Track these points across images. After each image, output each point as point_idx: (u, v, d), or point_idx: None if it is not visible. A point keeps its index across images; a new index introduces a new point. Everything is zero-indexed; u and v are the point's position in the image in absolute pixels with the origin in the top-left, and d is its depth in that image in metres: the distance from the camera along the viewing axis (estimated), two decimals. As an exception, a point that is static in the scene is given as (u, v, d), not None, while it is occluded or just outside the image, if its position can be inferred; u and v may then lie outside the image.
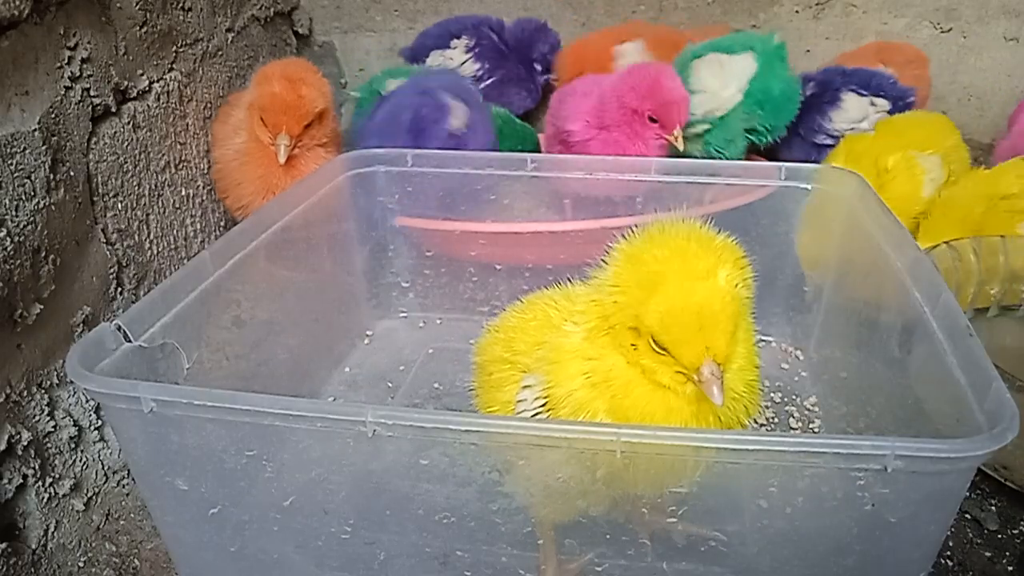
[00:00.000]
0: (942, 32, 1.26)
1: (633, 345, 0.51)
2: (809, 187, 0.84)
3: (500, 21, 1.26)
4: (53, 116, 0.71)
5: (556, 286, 0.63)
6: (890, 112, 1.07)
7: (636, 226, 0.54)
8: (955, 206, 0.88)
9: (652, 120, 0.95)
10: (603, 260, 0.55)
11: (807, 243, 0.87)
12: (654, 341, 0.49)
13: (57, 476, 0.70)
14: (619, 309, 0.51)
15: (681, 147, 0.96)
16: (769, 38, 1.06)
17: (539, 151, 1.11)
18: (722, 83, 1.03)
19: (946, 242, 0.82)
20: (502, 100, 1.20)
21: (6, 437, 0.64)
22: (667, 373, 0.50)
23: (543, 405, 0.55)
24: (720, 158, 1.04)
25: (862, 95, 1.08)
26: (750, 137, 1.06)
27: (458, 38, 1.22)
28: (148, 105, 0.89)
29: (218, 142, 0.99)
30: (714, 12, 1.29)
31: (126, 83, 0.84)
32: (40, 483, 0.68)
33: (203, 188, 1.00)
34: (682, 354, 0.49)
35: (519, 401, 0.57)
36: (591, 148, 0.99)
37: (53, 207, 0.70)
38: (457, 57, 1.22)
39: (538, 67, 1.25)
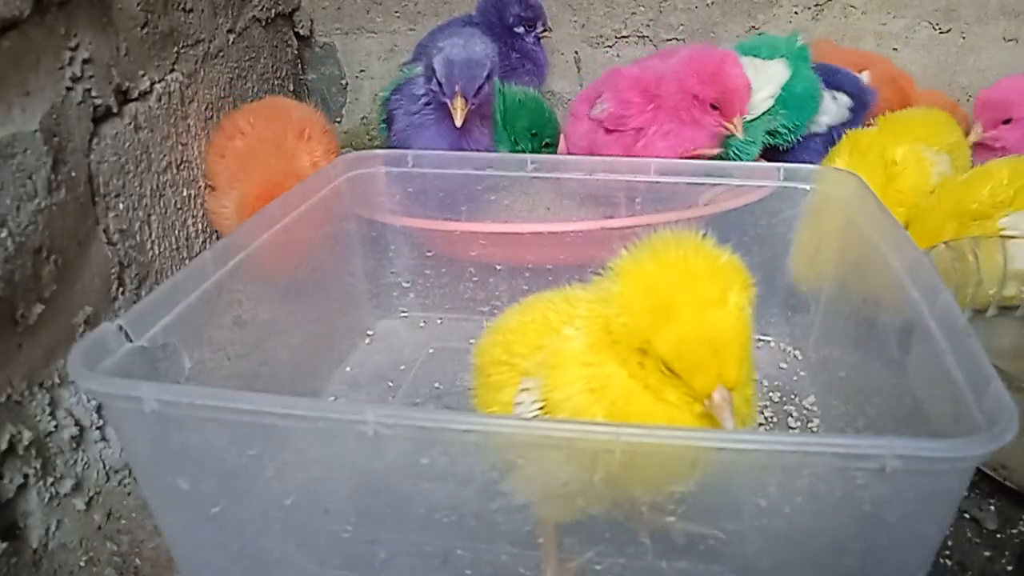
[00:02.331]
0: (941, 33, 1.26)
1: (640, 363, 0.51)
2: (808, 187, 0.84)
3: (470, 14, 1.24)
4: (54, 117, 0.71)
5: (556, 288, 0.63)
6: (851, 109, 1.07)
7: (638, 234, 0.54)
8: (926, 223, 0.88)
9: (713, 107, 0.95)
10: (605, 269, 0.55)
11: (803, 258, 0.86)
12: (664, 366, 0.50)
13: (58, 476, 0.70)
14: (627, 332, 0.51)
15: (740, 135, 0.96)
16: (792, 40, 1.06)
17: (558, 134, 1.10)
18: (756, 87, 1.02)
19: (944, 242, 0.82)
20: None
21: (7, 437, 0.65)
22: (674, 393, 0.51)
23: (541, 408, 0.55)
24: (738, 160, 1.04)
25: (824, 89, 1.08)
26: (771, 139, 1.07)
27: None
28: (149, 106, 0.89)
29: (210, 178, 0.99)
30: (713, 13, 1.30)
31: (127, 84, 0.84)
32: (41, 483, 0.68)
33: (205, 189, 1.00)
34: (694, 381, 0.49)
35: (517, 404, 0.57)
36: (644, 132, 0.98)
37: (54, 207, 0.70)
38: None
39: (519, 29, 1.20)
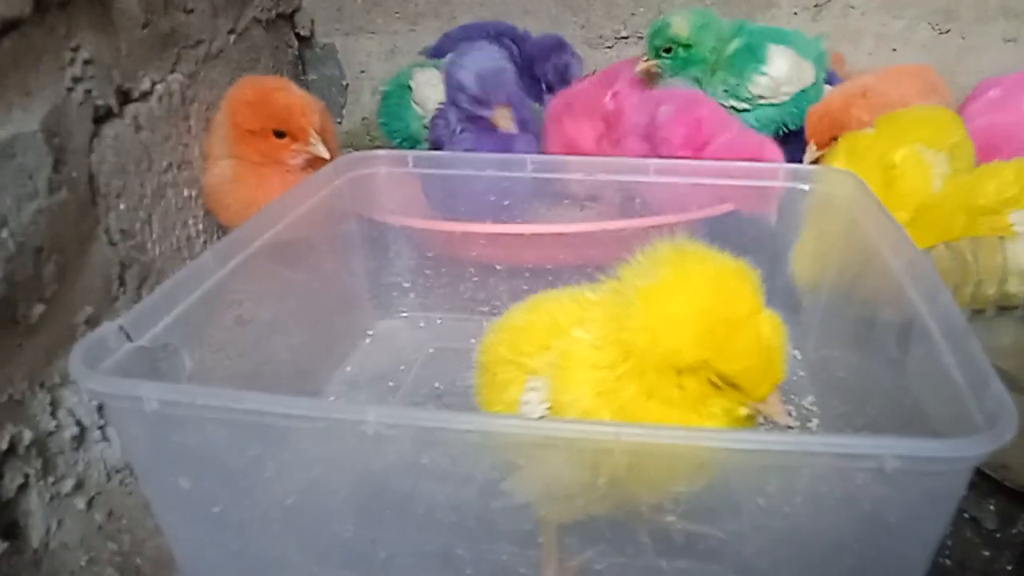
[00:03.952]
0: (941, 33, 1.26)
1: (678, 385, 0.51)
2: (807, 188, 0.84)
3: (525, 34, 1.24)
4: (55, 117, 0.71)
5: (557, 287, 0.63)
6: None
7: (639, 235, 0.54)
8: (935, 222, 0.87)
9: None
10: (614, 278, 0.54)
11: (804, 258, 0.86)
12: (722, 380, 0.50)
13: (59, 475, 0.70)
14: (672, 357, 0.50)
15: None
16: (818, 43, 1.07)
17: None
18: (787, 78, 1.04)
19: (944, 242, 0.82)
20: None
21: (8, 436, 0.65)
22: (720, 403, 0.51)
23: (548, 409, 0.55)
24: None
25: None
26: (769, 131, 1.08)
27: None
28: (150, 106, 0.89)
29: (205, 160, 0.99)
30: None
31: (128, 84, 0.84)
32: (42, 482, 0.68)
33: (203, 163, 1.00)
34: (756, 390, 0.50)
35: (523, 404, 0.57)
36: None
37: (55, 207, 0.70)
38: None
39: (543, 86, 1.20)
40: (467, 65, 0.93)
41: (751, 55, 1.04)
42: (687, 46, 1.05)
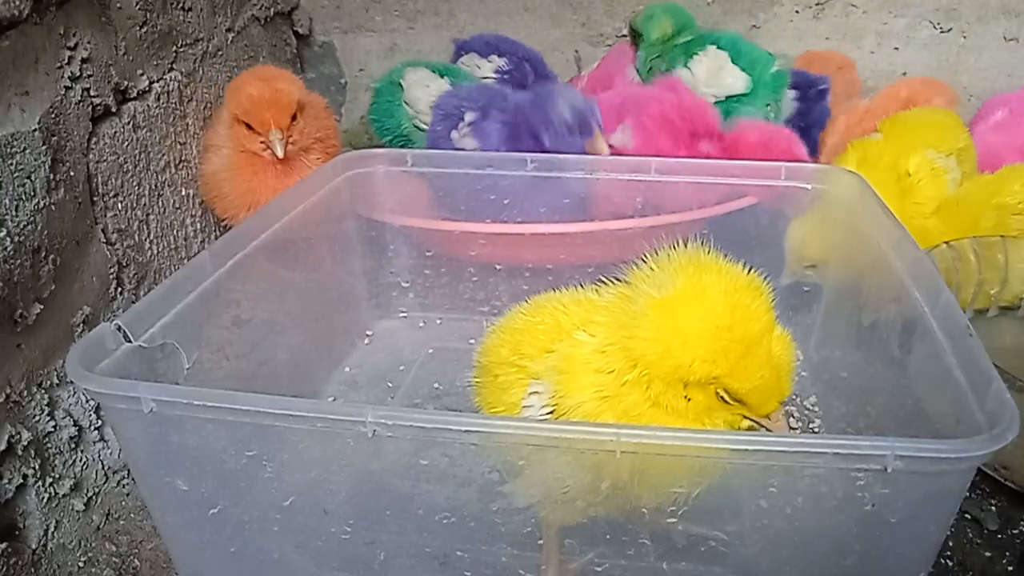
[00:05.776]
0: (942, 32, 1.26)
1: (685, 397, 0.51)
2: (809, 187, 0.84)
3: (551, 74, 1.23)
4: (53, 116, 0.71)
5: (558, 288, 0.63)
6: (798, 100, 1.09)
7: (639, 235, 0.54)
8: (962, 215, 0.87)
9: None
10: (620, 282, 0.54)
11: (801, 239, 0.86)
12: (729, 395, 0.50)
13: (57, 476, 0.70)
14: (684, 372, 0.50)
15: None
16: (770, 62, 1.08)
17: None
18: (705, 80, 1.06)
19: (946, 242, 0.82)
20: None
21: (6, 437, 0.64)
22: (723, 416, 0.52)
23: (550, 413, 0.55)
24: None
25: None
26: None
27: (499, 56, 1.19)
28: (148, 105, 0.89)
29: (205, 151, 0.99)
30: (714, 12, 1.29)
31: (126, 83, 0.84)
32: (40, 483, 0.68)
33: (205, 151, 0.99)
34: (762, 406, 0.51)
35: (526, 407, 0.57)
36: None
37: (53, 207, 0.70)
38: (484, 70, 1.19)
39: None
40: (557, 103, 0.93)
41: (686, 49, 1.10)
42: (639, 33, 1.15)
